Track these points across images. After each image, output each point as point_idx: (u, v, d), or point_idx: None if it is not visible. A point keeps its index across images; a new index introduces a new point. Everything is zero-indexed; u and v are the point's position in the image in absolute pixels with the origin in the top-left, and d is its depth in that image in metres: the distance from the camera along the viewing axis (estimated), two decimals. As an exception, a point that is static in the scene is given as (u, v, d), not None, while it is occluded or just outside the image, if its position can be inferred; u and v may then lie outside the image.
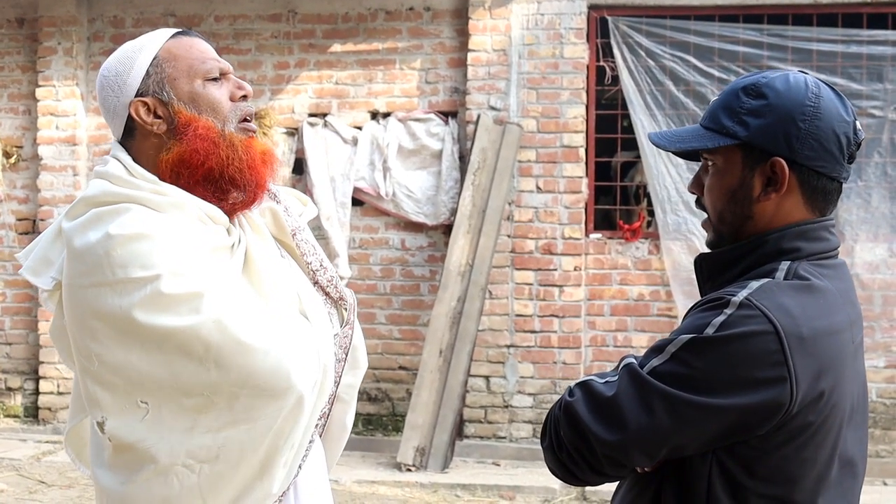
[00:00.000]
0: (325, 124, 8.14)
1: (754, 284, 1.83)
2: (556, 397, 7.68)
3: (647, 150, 7.76)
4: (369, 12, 8.15)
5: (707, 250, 2.02)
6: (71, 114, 8.38)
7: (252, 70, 8.13)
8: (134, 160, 2.21)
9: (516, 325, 7.87)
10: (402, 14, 8.11)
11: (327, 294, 2.38)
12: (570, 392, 1.91)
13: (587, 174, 7.91)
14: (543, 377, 7.85)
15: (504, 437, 7.87)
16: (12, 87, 8.60)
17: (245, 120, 2.25)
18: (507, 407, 7.88)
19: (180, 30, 2.30)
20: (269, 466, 2.10)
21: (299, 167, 8.17)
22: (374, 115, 8.15)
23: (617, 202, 8.21)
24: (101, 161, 2.26)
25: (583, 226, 7.85)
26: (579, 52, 7.81)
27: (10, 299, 8.66)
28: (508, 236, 7.83)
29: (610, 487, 2.02)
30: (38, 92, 8.41)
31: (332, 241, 7.90)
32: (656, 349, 1.85)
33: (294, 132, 8.18)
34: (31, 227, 8.58)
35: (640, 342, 7.76)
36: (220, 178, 2.18)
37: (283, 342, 2.08)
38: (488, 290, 7.69)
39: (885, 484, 7.15)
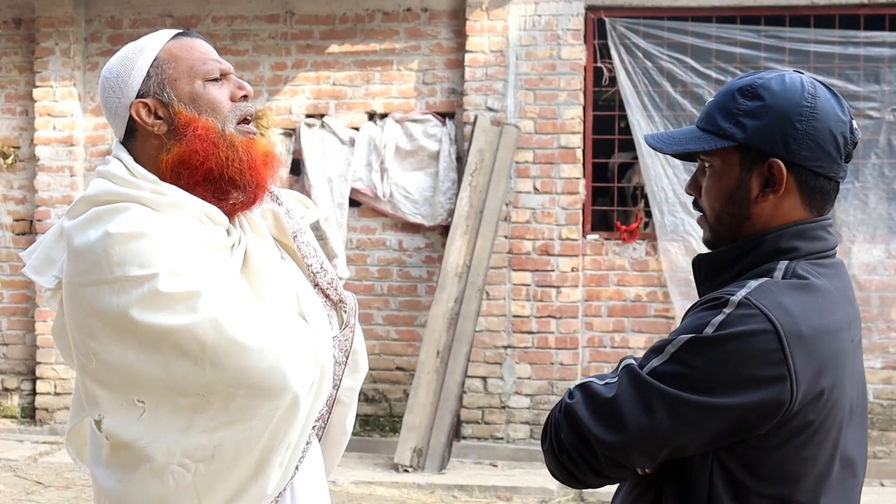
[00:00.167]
0: (323, 125, 8.14)
1: (753, 284, 1.83)
2: (553, 398, 7.71)
3: (645, 152, 7.76)
4: (367, 13, 8.15)
5: (705, 251, 2.02)
6: (68, 114, 8.38)
7: (249, 71, 8.13)
8: (136, 161, 2.22)
9: (513, 325, 7.87)
10: (399, 15, 8.11)
11: (327, 296, 2.39)
12: (570, 394, 1.91)
13: (584, 175, 7.91)
14: (541, 378, 7.85)
15: (501, 438, 7.87)
16: (9, 87, 8.60)
17: (245, 121, 2.26)
18: (504, 408, 7.88)
19: (181, 31, 2.31)
20: (264, 466, 2.10)
21: (296, 168, 8.16)
22: (372, 116, 8.15)
23: (614, 203, 8.21)
24: (102, 161, 2.28)
25: (580, 227, 7.85)
26: (576, 53, 7.82)
27: (8, 300, 8.65)
28: (506, 237, 7.83)
29: (609, 489, 2.02)
30: (36, 92, 8.41)
31: (330, 241, 7.90)
32: (656, 350, 1.85)
33: (291, 133, 8.18)
34: (28, 228, 8.58)
35: (638, 343, 7.76)
36: (220, 179, 2.19)
37: (280, 342, 2.09)
38: (485, 290, 7.69)
39: (882, 485, 7.15)
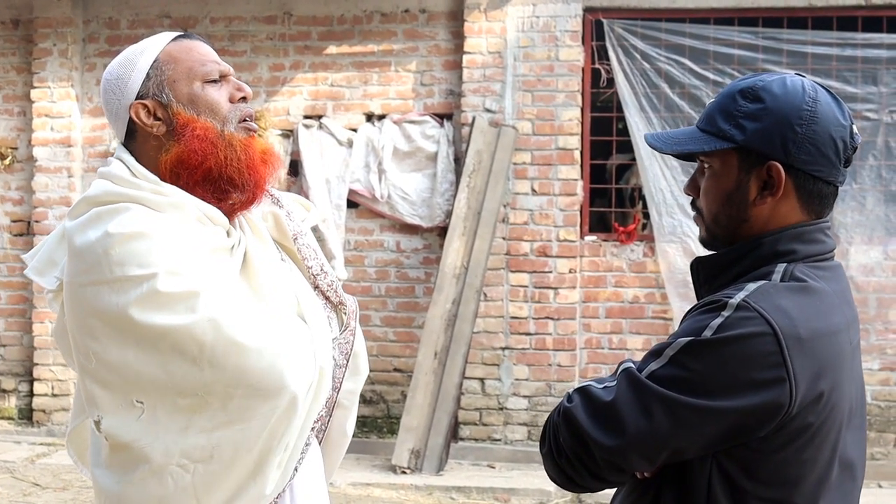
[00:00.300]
0: (321, 126, 8.13)
1: (751, 286, 1.83)
2: (551, 399, 7.71)
3: (643, 153, 7.76)
4: (365, 14, 8.15)
5: (703, 253, 2.02)
6: (66, 115, 8.37)
7: (247, 72, 8.12)
8: (137, 160, 2.24)
9: (511, 327, 7.87)
10: (397, 16, 8.11)
11: (327, 298, 2.40)
12: (569, 398, 1.91)
13: (582, 177, 7.91)
14: (538, 379, 7.84)
15: (499, 440, 7.86)
16: (7, 88, 8.59)
17: (245, 120, 2.27)
18: (501, 409, 7.88)
19: (182, 33, 2.32)
20: (262, 467, 2.11)
21: (294, 169, 8.16)
22: (370, 118, 8.15)
23: (612, 205, 8.21)
24: (103, 162, 2.30)
25: (578, 228, 7.85)
26: (574, 54, 7.82)
27: (5, 301, 8.65)
28: (503, 238, 7.83)
29: (607, 492, 2.01)
30: (33, 93, 8.40)
31: (328, 242, 7.89)
32: (654, 353, 1.85)
33: (289, 134, 8.18)
34: (25, 229, 8.57)
35: (635, 345, 7.76)
36: (220, 179, 2.20)
37: (278, 343, 2.10)
38: (483, 292, 7.69)
39: (880, 486, 7.16)
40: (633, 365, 1.88)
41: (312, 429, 2.26)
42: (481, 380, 7.88)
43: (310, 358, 2.16)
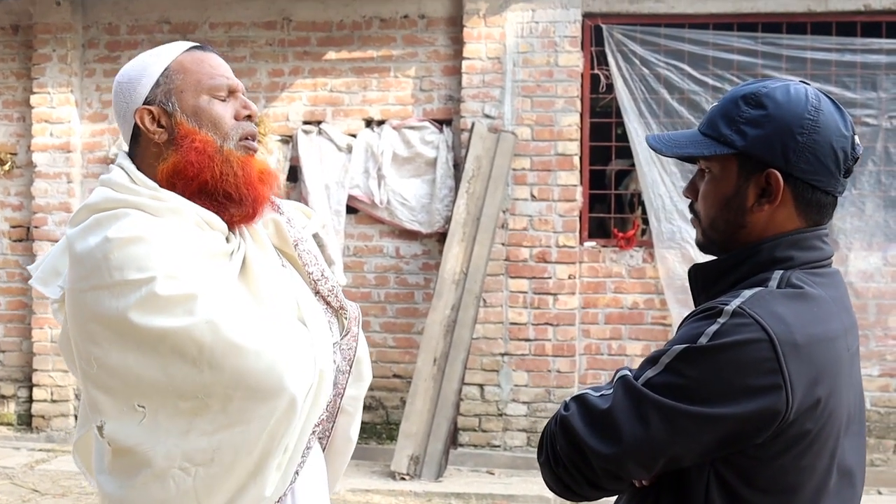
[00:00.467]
0: (320, 132, 8.13)
1: (747, 293, 1.83)
2: (550, 406, 7.70)
3: (642, 159, 7.76)
4: (364, 20, 8.15)
5: (702, 259, 2.02)
6: (65, 121, 8.37)
7: (246, 77, 8.13)
8: (138, 167, 2.26)
9: (511, 333, 7.86)
10: (396, 22, 8.11)
11: (328, 303, 2.42)
12: (566, 406, 1.90)
13: (581, 182, 7.91)
14: (538, 385, 7.84)
15: (498, 446, 7.86)
16: (6, 93, 8.59)
17: (246, 138, 2.28)
18: (501, 415, 7.87)
19: (198, 44, 2.34)
20: (262, 468, 2.13)
21: (294, 175, 8.16)
22: (369, 123, 8.15)
23: (611, 210, 8.21)
24: (105, 169, 2.33)
25: (577, 234, 7.85)
26: (574, 60, 7.82)
27: (4, 307, 8.64)
28: (503, 244, 7.83)
29: (607, 500, 2.01)
30: (33, 99, 8.41)
31: (327, 248, 7.89)
32: (650, 360, 1.85)
33: (288, 140, 8.17)
34: (24, 235, 8.57)
35: (635, 350, 7.76)
36: (215, 192, 2.22)
37: (277, 344, 2.11)
38: (482, 298, 7.68)
39: (879, 493, 7.15)
40: (629, 373, 1.87)
41: (314, 432, 2.28)
42: (480, 386, 7.87)
43: (309, 360, 2.17)
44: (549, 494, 6.72)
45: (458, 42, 7.97)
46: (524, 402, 7.85)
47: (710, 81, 7.70)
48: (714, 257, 1.99)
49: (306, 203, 7.81)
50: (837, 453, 1.87)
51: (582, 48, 7.86)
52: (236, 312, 2.10)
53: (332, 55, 8.19)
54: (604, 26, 7.83)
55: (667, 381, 1.80)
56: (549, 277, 7.82)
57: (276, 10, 8.25)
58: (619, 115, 7.87)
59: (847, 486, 1.92)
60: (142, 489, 2.11)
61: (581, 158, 7.92)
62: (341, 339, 2.42)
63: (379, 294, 8.14)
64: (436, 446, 7.24)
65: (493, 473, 7.50)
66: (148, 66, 2.27)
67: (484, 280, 7.60)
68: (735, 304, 1.80)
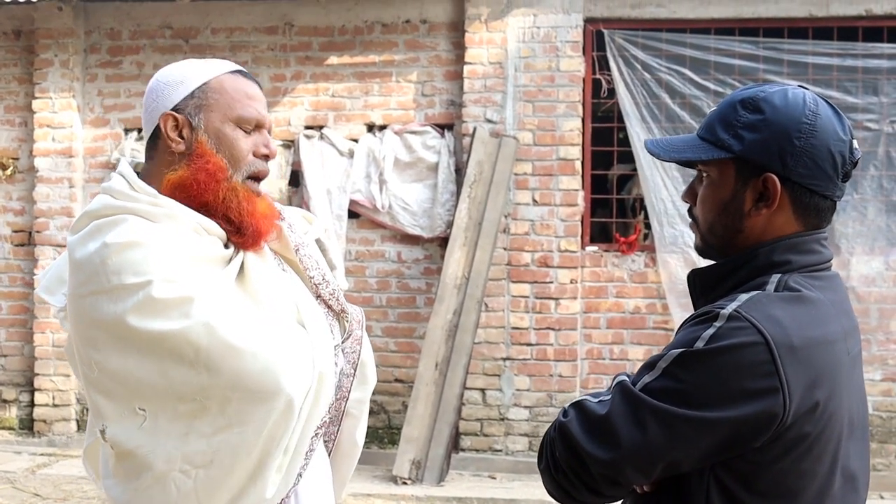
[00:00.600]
0: (322, 137, 8.14)
1: (743, 297, 1.83)
2: (552, 410, 7.70)
3: (644, 163, 7.76)
4: (366, 25, 8.16)
5: (703, 263, 2.02)
6: (67, 126, 8.38)
7: (248, 82, 8.12)
8: (147, 169, 2.29)
9: (512, 337, 7.86)
10: (398, 27, 8.12)
11: (329, 307, 2.44)
12: (565, 412, 1.91)
13: (583, 187, 7.91)
14: (539, 390, 7.84)
15: (500, 450, 7.85)
16: (9, 98, 8.60)
17: (256, 178, 2.30)
18: (503, 420, 7.87)
19: (243, 70, 2.36)
20: (262, 470, 2.14)
21: (295, 180, 8.16)
22: (371, 128, 8.16)
23: (613, 215, 8.21)
24: (108, 174, 2.35)
25: (579, 238, 7.85)
26: (575, 64, 7.82)
27: (6, 311, 8.64)
28: (504, 249, 7.83)
29: (608, 504, 2.01)
30: (35, 104, 8.41)
31: (329, 253, 7.86)
32: (648, 365, 1.85)
33: (290, 144, 8.18)
34: (27, 239, 8.57)
35: (637, 355, 7.75)
36: (215, 214, 2.24)
37: (273, 346, 2.13)
38: (484, 302, 7.68)
39: (881, 497, 7.15)
40: (627, 378, 1.88)
41: (316, 435, 2.29)
42: (482, 390, 7.87)
43: (307, 362, 2.19)
44: (551, 499, 6.71)
45: (459, 47, 7.98)
46: (526, 407, 7.85)
47: (712, 86, 7.71)
48: (713, 262, 1.99)
49: (308, 208, 7.81)
50: (840, 457, 1.86)
51: (584, 53, 7.86)
52: (233, 315, 2.12)
53: (333, 60, 8.19)
54: (605, 31, 7.84)
55: (664, 386, 1.80)
56: (551, 282, 7.82)
57: (278, 14, 8.26)
58: (620, 119, 7.88)
59: (851, 491, 1.91)
60: (144, 492, 2.13)
61: (583, 163, 7.92)
62: (342, 341, 2.44)
63: (381, 298, 8.14)
64: (437, 451, 7.24)
65: (494, 478, 7.49)
66: (189, 75, 2.29)
67: (486, 284, 7.60)
68: (731, 307, 1.80)
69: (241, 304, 2.17)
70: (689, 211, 2.02)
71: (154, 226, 2.16)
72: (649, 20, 7.83)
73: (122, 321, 2.08)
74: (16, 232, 8.62)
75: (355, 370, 2.46)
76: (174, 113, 2.25)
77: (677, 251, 7.70)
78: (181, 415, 2.10)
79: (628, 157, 8.10)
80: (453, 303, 7.46)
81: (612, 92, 7.87)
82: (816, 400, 1.79)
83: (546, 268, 7.82)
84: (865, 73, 7.68)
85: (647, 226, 7.97)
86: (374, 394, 8.20)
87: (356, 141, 8.11)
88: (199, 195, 2.22)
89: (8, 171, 8.54)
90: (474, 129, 7.72)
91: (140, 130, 8.33)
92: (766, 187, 1.88)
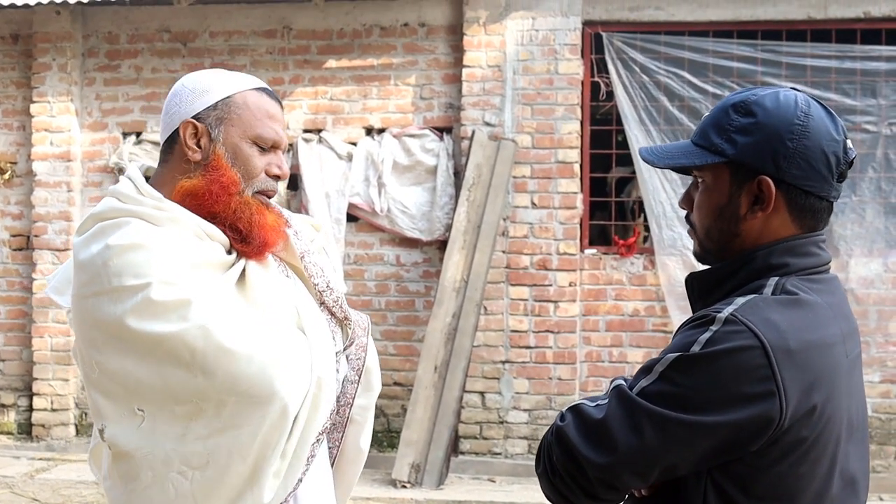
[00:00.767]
0: (320, 140, 8.14)
1: (740, 300, 1.82)
2: (551, 413, 7.70)
3: (643, 166, 7.76)
4: (364, 28, 8.16)
5: (700, 268, 2.01)
6: (65, 130, 8.38)
7: (247, 86, 8.12)
8: (159, 174, 2.32)
9: (511, 340, 7.86)
10: (396, 30, 8.12)
11: (332, 314, 2.44)
12: (562, 417, 1.91)
13: (582, 190, 7.91)
14: (539, 393, 7.83)
15: (499, 454, 7.85)
16: (6, 102, 8.60)
17: (265, 194, 2.33)
18: (502, 423, 7.86)
19: (267, 88, 2.38)
20: (258, 474, 2.15)
21: (294, 183, 8.16)
22: (369, 131, 8.16)
23: (612, 218, 8.21)
24: (106, 179, 2.39)
25: (578, 241, 7.85)
26: (574, 67, 7.83)
27: (4, 316, 8.64)
28: (503, 252, 7.83)
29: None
30: (33, 108, 8.41)
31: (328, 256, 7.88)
32: (645, 369, 1.85)
33: (289, 148, 8.17)
34: (25, 244, 8.57)
35: (636, 358, 7.75)
36: (223, 222, 2.26)
37: (269, 350, 2.14)
38: (483, 305, 7.68)
39: (881, 499, 7.15)
40: (624, 382, 1.88)
41: (318, 441, 2.29)
42: (481, 393, 7.86)
43: (305, 367, 2.20)
44: None
45: (458, 50, 7.98)
46: (525, 410, 7.85)
47: (711, 89, 7.71)
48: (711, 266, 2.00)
49: (306, 211, 7.82)
50: (839, 460, 1.86)
51: (582, 56, 7.87)
52: (229, 318, 2.13)
53: (332, 63, 8.19)
54: (604, 34, 7.84)
55: (660, 390, 1.79)
56: (550, 285, 7.82)
57: (277, 18, 8.26)
58: (619, 122, 7.88)
59: (850, 494, 1.91)
60: (143, 493, 2.15)
61: (581, 166, 7.92)
62: (344, 348, 2.45)
63: (379, 302, 8.14)
64: (437, 454, 7.23)
65: (494, 481, 7.49)
66: (214, 85, 2.31)
67: (485, 288, 7.59)
68: (727, 311, 1.80)
69: (238, 308, 2.19)
70: (687, 217, 2.02)
71: (156, 229, 2.18)
72: (648, 23, 7.83)
73: (121, 322, 2.10)
74: (14, 236, 8.62)
75: (360, 377, 2.48)
76: (195, 121, 2.27)
77: (676, 254, 7.70)
78: (179, 416, 2.12)
79: (627, 160, 8.11)
80: (452, 306, 7.45)
81: (610, 95, 7.88)
82: (814, 403, 1.78)
83: (545, 271, 7.82)
84: (864, 75, 7.68)
85: (646, 228, 7.97)
86: (373, 397, 8.04)
87: (355, 144, 8.11)
88: (209, 205, 2.24)
89: (6, 176, 8.54)
90: (473, 133, 7.72)
91: (139, 134, 8.34)
92: (760, 190, 1.87)
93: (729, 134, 1.89)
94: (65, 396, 8.36)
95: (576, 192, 7.83)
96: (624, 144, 7.96)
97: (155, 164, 2.38)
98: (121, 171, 8.13)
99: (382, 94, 8.13)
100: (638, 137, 7.75)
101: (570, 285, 7.81)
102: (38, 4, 7.93)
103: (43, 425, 8.42)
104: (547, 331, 7.82)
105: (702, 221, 1.96)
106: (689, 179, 2.06)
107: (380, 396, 8.38)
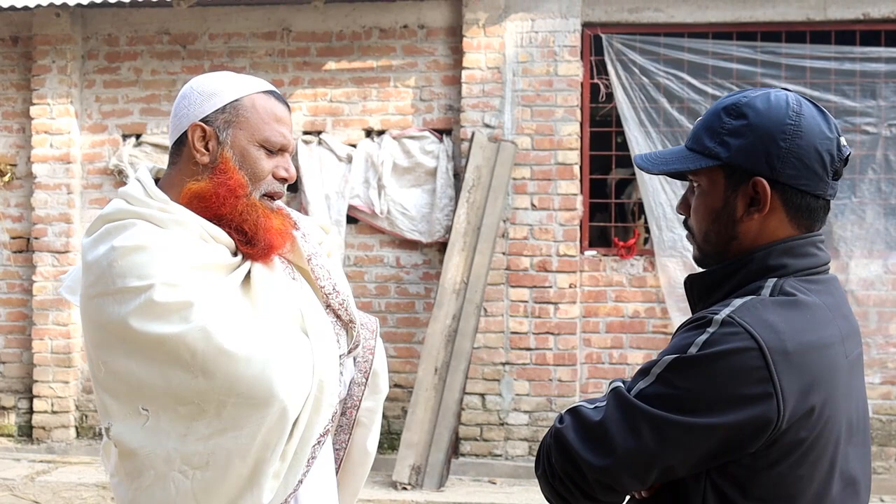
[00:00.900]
0: (320, 142, 8.14)
1: (737, 302, 1.83)
2: (551, 415, 7.69)
3: (642, 167, 7.75)
4: (363, 30, 8.16)
5: (698, 270, 2.02)
6: (65, 132, 8.37)
7: (246, 88, 8.12)
8: (167, 175, 2.34)
9: (512, 342, 7.86)
10: (396, 32, 8.12)
11: (338, 317, 2.45)
12: (561, 419, 1.91)
13: (582, 191, 7.91)
14: (539, 395, 7.83)
15: (500, 455, 7.84)
16: (6, 105, 8.60)
17: (271, 197, 2.34)
18: (502, 424, 7.86)
19: (275, 91, 2.40)
20: (257, 475, 2.17)
21: (293, 185, 8.16)
22: (369, 133, 8.16)
23: (612, 219, 8.21)
24: (106, 180, 2.41)
25: (578, 243, 7.85)
26: (573, 69, 7.83)
27: (5, 318, 8.64)
28: (503, 254, 7.83)
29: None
30: (33, 110, 8.41)
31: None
32: (642, 371, 1.85)
33: (289, 150, 8.17)
34: (25, 246, 8.57)
35: (636, 359, 7.75)
36: (229, 224, 2.28)
37: (269, 352, 2.16)
38: (483, 307, 7.68)
39: (881, 501, 7.14)
40: (622, 384, 1.88)
41: (319, 443, 2.29)
42: (482, 395, 7.86)
43: (306, 370, 2.21)
44: (551, 504, 6.70)
45: (457, 52, 7.98)
46: (525, 412, 7.85)
47: (710, 90, 7.71)
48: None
49: (306, 213, 7.81)
50: (838, 462, 1.86)
51: (581, 58, 7.87)
52: (230, 320, 2.15)
53: (331, 65, 8.20)
54: (603, 36, 7.84)
55: (658, 392, 1.80)
56: (550, 286, 7.82)
57: (276, 20, 8.26)
58: (619, 124, 7.88)
59: (851, 495, 1.91)
60: (146, 491, 2.18)
61: (581, 167, 7.92)
62: (349, 351, 2.46)
63: (379, 304, 8.14)
64: (437, 456, 7.23)
65: (494, 483, 7.49)
66: (223, 88, 2.32)
67: (485, 289, 7.59)
68: (725, 313, 1.80)
69: (241, 310, 2.20)
70: (685, 223, 2.03)
71: (162, 231, 2.21)
72: (647, 24, 7.84)
73: (125, 323, 2.13)
74: (14, 238, 8.62)
75: (367, 379, 2.50)
76: (203, 124, 2.29)
77: (676, 255, 7.70)
78: (181, 416, 2.15)
79: (627, 162, 8.10)
80: (452, 308, 7.45)
81: (610, 96, 7.88)
82: (812, 405, 1.78)
83: (545, 272, 7.82)
84: (863, 76, 7.68)
85: (646, 230, 7.97)
86: (373, 399, 8.02)
87: (354, 146, 8.11)
88: (216, 208, 2.26)
89: (6, 178, 8.54)
90: (472, 134, 7.72)
91: (138, 136, 8.33)
92: (756, 191, 1.88)
93: (722, 137, 1.89)
94: (65, 399, 8.36)
95: (576, 194, 7.84)
96: (623, 146, 7.96)
97: (161, 166, 2.40)
98: (120, 172, 8.14)
99: (382, 95, 8.13)
100: (637, 139, 7.75)
101: (570, 287, 7.81)
102: (38, 6, 7.93)
103: (43, 427, 8.42)
104: (547, 332, 7.82)
105: (699, 225, 1.96)
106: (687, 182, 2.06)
107: (380, 398, 8.32)
